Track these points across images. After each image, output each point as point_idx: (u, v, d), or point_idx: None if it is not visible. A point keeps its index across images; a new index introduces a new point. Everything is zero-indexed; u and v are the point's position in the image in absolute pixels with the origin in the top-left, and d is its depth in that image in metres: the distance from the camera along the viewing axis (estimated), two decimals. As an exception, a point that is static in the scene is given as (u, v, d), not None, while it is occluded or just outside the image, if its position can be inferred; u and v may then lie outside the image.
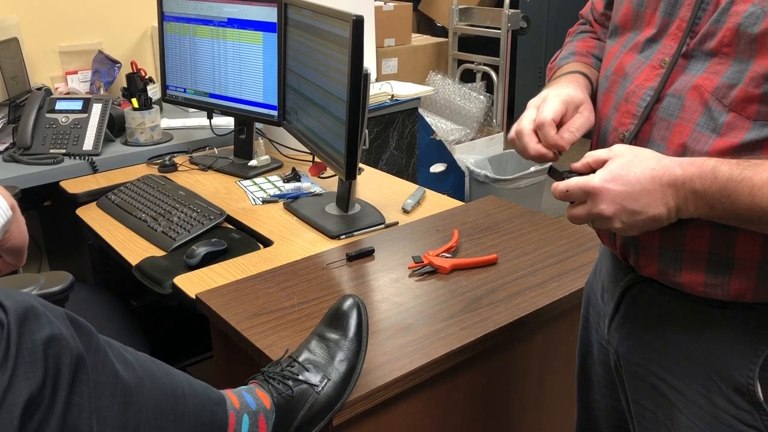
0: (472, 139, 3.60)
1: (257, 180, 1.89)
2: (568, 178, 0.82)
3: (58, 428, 0.66)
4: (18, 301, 0.66)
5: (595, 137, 0.96)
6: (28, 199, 1.91)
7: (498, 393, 1.26)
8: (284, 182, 1.83)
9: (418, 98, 2.77)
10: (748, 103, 0.76)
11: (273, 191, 1.79)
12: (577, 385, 1.18)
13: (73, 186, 1.87)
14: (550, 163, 0.87)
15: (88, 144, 2.02)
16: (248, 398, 0.90)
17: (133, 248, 1.56)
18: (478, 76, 4.04)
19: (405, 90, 2.76)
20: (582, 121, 0.89)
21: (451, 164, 3.29)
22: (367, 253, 1.41)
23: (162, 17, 2.00)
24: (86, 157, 1.98)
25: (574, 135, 0.88)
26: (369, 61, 2.91)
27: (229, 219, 1.66)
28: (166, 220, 1.63)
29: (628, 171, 0.79)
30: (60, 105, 2.08)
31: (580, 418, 1.19)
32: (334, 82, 1.45)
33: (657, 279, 0.89)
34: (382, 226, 1.57)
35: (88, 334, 0.72)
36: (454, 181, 3.26)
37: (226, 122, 2.15)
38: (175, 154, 2.06)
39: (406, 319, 1.18)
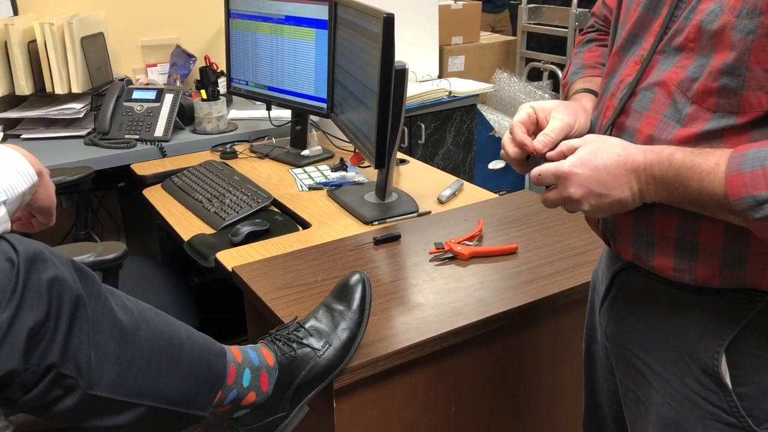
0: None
1: (308, 168, 2.01)
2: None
3: (60, 355, 0.79)
4: (28, 246, 0.79)
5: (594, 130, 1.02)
6: (105, 179, 2.11)
7: (506, 376, 1.32)
8: (332, 171, 1.94)
9: (477, 95, 2.82)
10: (708, 96, 0.80)
11: (320, 179, 1.90)
12: (583, 369, 1.22)
13: (142, 168, 2.05)
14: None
15: (159, 131, 2.19)
16: (252, 355, 1.01)
17: (188, 226, 1.71)
18: (545, 74, 4.04)
19: (464, 87, 2.82)
20: (556, 124, 0.95)
21: (512, 161, 3.31)
22: (394, 238, 1.50)
23: (228, 14, 2.16)
24: (157, 143, 2.16)
25: (548, 137, 0.93)
26: (430, 59, 2.99)
27: (276, 203, 1.78)
28: (219, 201, 1.77)
29: (595, 157, 0.85)
30: (136, 94, 2.27)
31: (586, 402, 1.23)
32: (369, 77, 1.54)
33: (635, 263, 0.93)
34: (415, 214, 1.65)
35: (92, 280, 0.84)
36: (513, 179, 3.29)
37: (286, 114, 2.28)
38: (237, 143, 2.21)
39: (418, 298, 1.26)
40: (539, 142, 0.93)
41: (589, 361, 1.19)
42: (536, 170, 0.89)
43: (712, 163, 0.76)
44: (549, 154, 0.91)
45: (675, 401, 0.92)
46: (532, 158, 0.92)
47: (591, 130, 0.99)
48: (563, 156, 0.89)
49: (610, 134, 0.92)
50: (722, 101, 0.79)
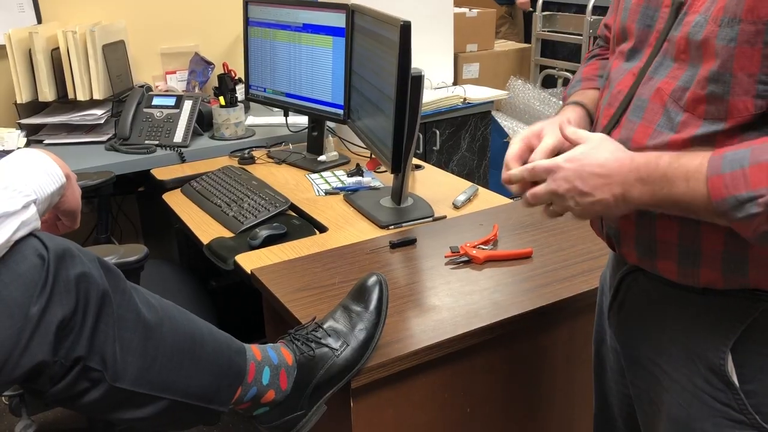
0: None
1: (324, 174, 2.03)
2: None
3: (87, 348, 0.82)
4: (58, 243, 0.82)
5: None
6: (124, 184, 2.15)
7: (521, 378, 1.33)
8: (348, 176, 1.97)
9: (491, 102, 2.84)
10: (698, 104, 0.83)
11: (336, 184, 1.93)
12: (593, 372, 1.24)
13: (161, 173, 2.09)
14: None
15: (178, 137, 2.23)
16: (272, 354, 1.03)
17: (207, 229, 1.74)
18: (559, 81, 4.06)
19: (479, 93, 2.84)
20: (549, 140, 0.96)
21: (527, 168, 3.32)
22: (410, 242, 1.52)
23: (247, 22, 2.19)
24: (176, 149, 2.20)
25: (542, 154, 0.95)
26: (445, 66, 3.02)
27: (293, 207, 1.81)
28: (238, 205, 1.80)
29: (587, 156, 0.87)
30: (156, 101, 2.31)
31: (597, 404, 1.24)
32: (386, 83, 1.56)
33: (641, 266, 0.95)
34: (430, 219, 1.67)
35: (117, 277, 0.87)
36: (528, 185, 3.29)
37: (303, 121, 2.31)
38: (255, 149, 2.25)
39: (433, 301, 1.28)
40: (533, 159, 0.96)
41: (599, 363, 1.21)
42: (530, 165, 0.91)
43: (697, 163, 0.78)
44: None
45: (685, 401, 0.93)
46: None
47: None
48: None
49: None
50: (711, 108, 0.82)
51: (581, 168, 0.87)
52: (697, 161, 0.78)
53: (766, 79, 0.78)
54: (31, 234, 0.81)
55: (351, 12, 1.84)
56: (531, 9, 4.72)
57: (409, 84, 1.47)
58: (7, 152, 2.12)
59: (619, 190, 0.84)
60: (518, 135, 1.02)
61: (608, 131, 0.94)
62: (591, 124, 1.06)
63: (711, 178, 0.76)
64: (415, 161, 2.04)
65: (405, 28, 1.42)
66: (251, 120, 2.50)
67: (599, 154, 0.86)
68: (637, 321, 1.00)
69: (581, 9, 4.13)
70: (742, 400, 0.88)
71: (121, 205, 2.60)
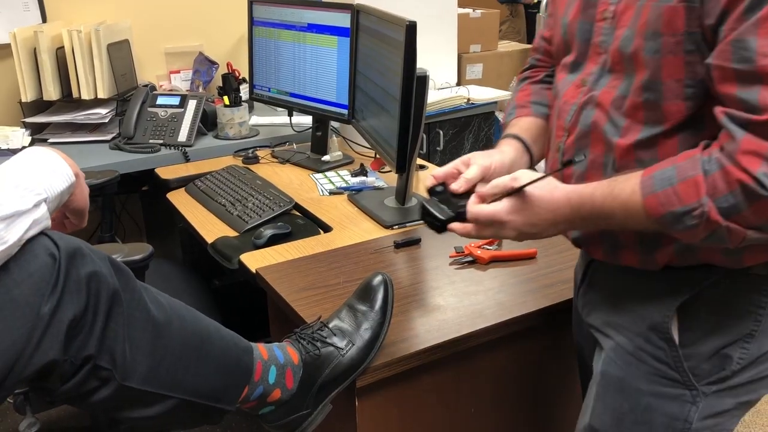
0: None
1: (328, 174, 2.04)
2: (455, 199, 1.04)
3: (96, 347, 0.82)
4: (68, 242, 0.82)
5: (546, 147, 1.13)
6: (128, 183, 2.15)
7: (526, 378, 1.33)
8: (352, 176, 1.97)
9: (495, 102, 2.84)
10: (637, 110, 0.91)
11: (340, 184, 1.93)
12: (577, 364, 1.26)
13: (166, 173, 2.09)
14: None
15: (182, 136, 2.24)
16: (278, 353, 1.03)
17: (211, 229, 1.74)
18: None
19: (482, 94, 2.84)
20: (473, 169, 1.06)
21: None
22: (414, 242, 1.52)
23: (252, 22, 2.20)
24: (180, 148, 2.20)
25: (465, 179, 1.05)
26: (449, 66, 3.02)
27: (298, 207, 1.81)
28: (242, 205, 1.80)
29: (527, 204, 0.95)
30: (160, 100, 2.32)
31: (583, 393, 1.25)
32: (391, 83, 1.57)
33: (606, 261, 1.02)
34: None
35: (126, 276, 0.87)
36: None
37: (307, 121, 2.31)
38: (259, 148, 2.25)
39: (438, 301, 1.28)
40: (457, 185, 1.05)
41: (580, 355, 1.24)
42: (474, 214, 0.99)
43: (629, 191, 0.86)
44: (481, 192, 1.00)
45: (623, 360, 1.00)
46: (436, 193, 1.07)
47: (551, 144, 1.09)
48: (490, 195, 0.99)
49: (562, 153, 1.02)
50: (649, 113, 0.90)
51: (527, 217, 0.95)
52: (629, 188, 0.86)
53: (691, 83, 0.86)
54: (41, 233, 0.82)
55: (356, 12, 1.84)
56: (534, 1, 4.73)
57: (415, 84, 1.47)
58: (12, 151, 2.12)
59: (564, 227, 0.96)
60: (451, 163, 1.12)
61: (565, 140, 1.02)
62: (528, 154, 1.15)
63: (647, 199, 0.84)
64: (419, 161, 2.04)
65: (411, 28, 1.42)
66: (255, 120, 2.50)
67: (538, 198, 0.94)
68: (599, 295, 1.07)
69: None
70: (679, 359, 0.95)
71: (124, 204, 2.60)
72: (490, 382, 1.28)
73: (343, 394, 1.10)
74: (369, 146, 2.13)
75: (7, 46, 2.21)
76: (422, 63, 1.50)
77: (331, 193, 1.88)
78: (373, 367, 1.10)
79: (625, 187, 0.87)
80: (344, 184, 1.92)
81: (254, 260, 1.49)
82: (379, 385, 1.13)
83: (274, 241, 1.60)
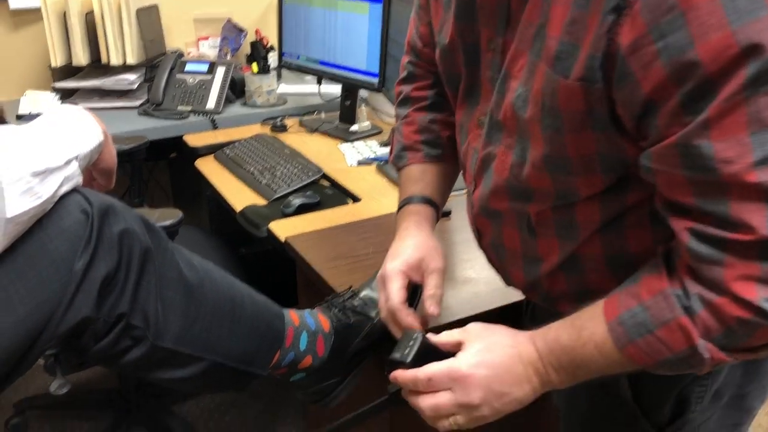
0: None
1: (356, 144, 2.01)
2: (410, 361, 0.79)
3: (129, 305, 0.82)
4: (101, 199, 0.82)
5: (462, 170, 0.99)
6: (157, 150, 2.15)
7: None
8: (381, 147, 1.95)
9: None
10: (541, 180, 0.77)
11: (369, 154, 1.91)
12: None
13: (194, 140, 2.09)
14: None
15: (211, 103, 2.23)
16: (309, 320, 1.03)
17: (240, 197, 1.73)
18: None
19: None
20: (436, 279, 0.96)
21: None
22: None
23: (282, -12, 2.17)
24: (208, 115, 2.19)
25: (435, 298, 0.94)
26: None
27: (326, 176, 1.80)
28: (271, 174, 1.79)
29: (490, 354, 0.77)
30: (189, 67, 2.30)
31: None
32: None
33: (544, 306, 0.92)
34: (465, 190, 1.64)
35: (159, 236, 0.87)
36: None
37: (335, 90, 2.29)
38: (287, 117, 2.23)
39: (470, 273, 1.27)
40: (432, 306, 0.93)
41: None
42: (425, 374, 0.77)
43: (600, 337, 0.71)
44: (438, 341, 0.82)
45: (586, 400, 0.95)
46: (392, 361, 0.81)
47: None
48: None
49: (472, 205, 0.93)
50: (558, 184, 0.76)
51: (493, 370, 0.76)
52: (599, 335, 0.71)
53: (606, 155, 0.71)
54: (74, 190, 0.81)
55: (389, -22, 1.80)
56: None
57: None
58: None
59: (536, 380, 0.77)
60: (392, 266, 0.95)
61: (472, 190, 0.92)
62: (437, 214, 1.06)
63: (626, 349, 0.70)
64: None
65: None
66: (283, 88, 2.48)
67: (501, 347, 0.78)
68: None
69: None
70: (635, 412, 0.89)
71: (152, 171, 2.61)
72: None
73: (373, 364, 1.09)
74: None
75: (38, 10, 2.20)
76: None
77: (360, 163, 1.86)
78: (404, 337, 1.09)
79: (594, 332, 0.72)
80: (372, 155, 1.90)
81: (283, 229, 1.48)
82: (410, 355, 1.12)
83: (302, 210, 1.59)
